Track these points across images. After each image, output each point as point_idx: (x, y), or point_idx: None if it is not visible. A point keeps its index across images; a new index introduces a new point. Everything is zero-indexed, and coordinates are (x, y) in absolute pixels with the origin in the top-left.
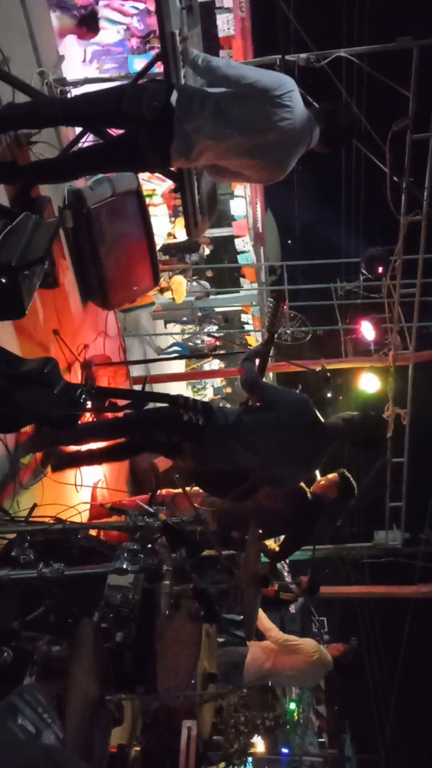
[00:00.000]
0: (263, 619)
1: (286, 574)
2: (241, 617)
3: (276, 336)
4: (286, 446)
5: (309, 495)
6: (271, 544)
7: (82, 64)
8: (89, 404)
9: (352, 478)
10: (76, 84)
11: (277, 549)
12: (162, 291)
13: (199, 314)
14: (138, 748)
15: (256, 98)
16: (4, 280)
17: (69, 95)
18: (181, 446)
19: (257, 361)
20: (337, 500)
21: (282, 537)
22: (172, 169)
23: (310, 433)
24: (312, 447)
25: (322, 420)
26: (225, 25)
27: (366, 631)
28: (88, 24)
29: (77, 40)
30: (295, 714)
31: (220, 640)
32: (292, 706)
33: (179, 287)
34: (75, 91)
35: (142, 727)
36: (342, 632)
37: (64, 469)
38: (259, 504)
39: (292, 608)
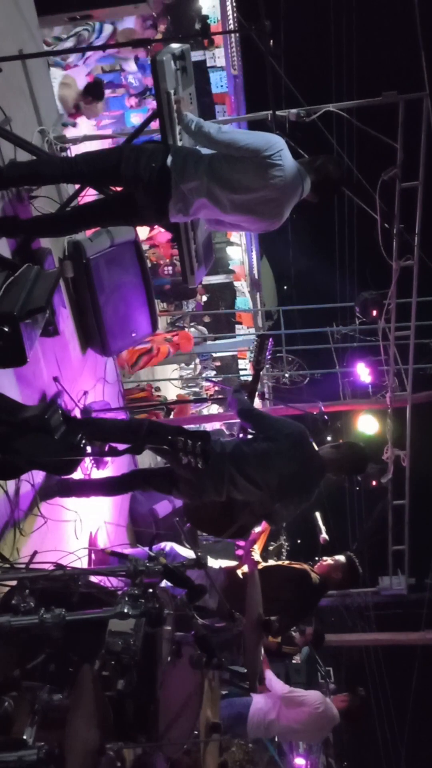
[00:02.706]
0: (266, 672)
1: None
2: (245, 669)
3: (262, 372)
4: (285, 479)
5: (313, 576)
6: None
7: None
8: (89, 449)
9: (358, 563)
10: (76, 141)
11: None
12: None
13: (197, 359)
14: None
15: (248, 160)
16: (6, 329)
17: (69, 152)
18: (177, 477)
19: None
20: (341, 583)
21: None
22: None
23: (308, 464)
24: (309, 479)
25: (317, 451)
26: (218, 82)
27: (374, 680)
28: (93, 93)
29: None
30: None
31: (224, 692)
32: (300, 761)
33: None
34: (74, 149)
35: None
36: (349, 682)
37: (57, 497)
38: (261, 589)
39: (297, 659)
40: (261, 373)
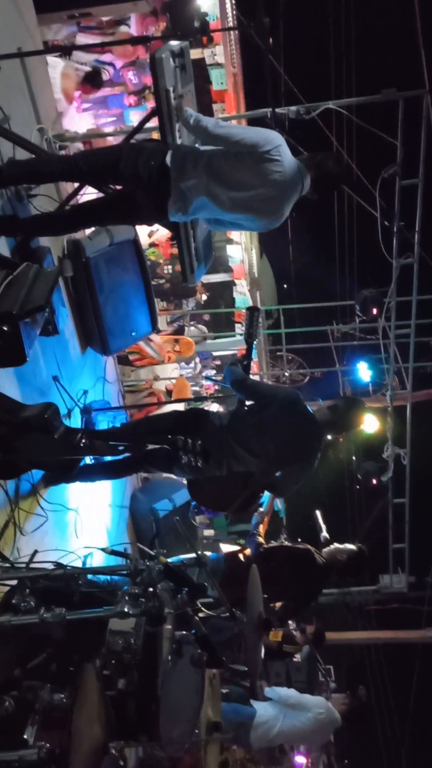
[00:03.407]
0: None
1: (289, 621)
2: (246, 668)
3: (254, 343)
4: (282, 444)
5: (317, 558)
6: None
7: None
8: (89, 448)
9: (367, 554)
10: (75, 139)
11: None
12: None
13: (197, 358)
14: None
15: (245, 156)
16: (5, 328)
17: (67, 150)
18: (177, 456)
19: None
20: (345, 566)
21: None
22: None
23: (304, 427)
24: (307, 442)
25: (312, 413)
26: (218, 80)
27: (375, 678)
28: (91, 81)
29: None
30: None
31: (224, 691)
32: (300, 759)
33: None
34: (73, 147)
35: None
36: (350, 680)
37: (63, 482)
38: (265, 569)
39: (298, 657)
40: (254, 345)
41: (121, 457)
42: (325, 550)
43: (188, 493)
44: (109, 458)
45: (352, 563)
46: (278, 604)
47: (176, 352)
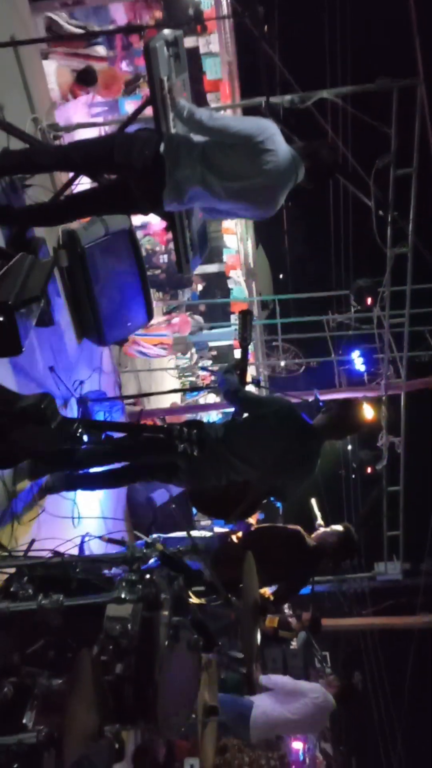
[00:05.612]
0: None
1: (285, 607)
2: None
3: (248, 347)
4: (280, 455)
5: (308, 541)
6: (265, 591)
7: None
8: (85, 439)
9: (355, 534)
10: (69, 129)
11: (271, 597)
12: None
13: (193, 349)
14: None
15: (240, 146)
16: (1, 319)
17: (62, 140)
18: (177, 466)
19: (237, 373)
20: (335, 548)
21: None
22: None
23: (301, 436)
24: (305, 450)
25: (309, 422)
26: (212, 68)
27: (371, 664)
28: (84, 80)
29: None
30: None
31: (221, 676)
32: (297, 744)
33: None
34: (67, 137)
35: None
36: (346, 666)
37: (63, 491)
38: (255, 549)
39: (294, 643)
40: (248, 348)
41: (119, 465)
42: (314, 534)
43: (190, 501)
44: (108, 466)
45: (343, 543)
46: (268, 593)
47: (173, 326)
